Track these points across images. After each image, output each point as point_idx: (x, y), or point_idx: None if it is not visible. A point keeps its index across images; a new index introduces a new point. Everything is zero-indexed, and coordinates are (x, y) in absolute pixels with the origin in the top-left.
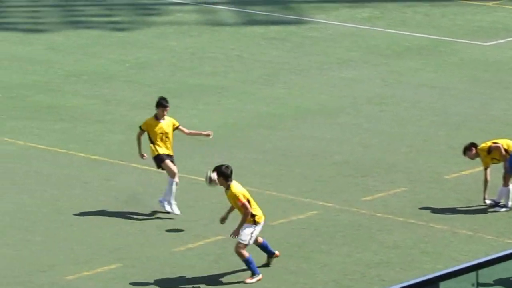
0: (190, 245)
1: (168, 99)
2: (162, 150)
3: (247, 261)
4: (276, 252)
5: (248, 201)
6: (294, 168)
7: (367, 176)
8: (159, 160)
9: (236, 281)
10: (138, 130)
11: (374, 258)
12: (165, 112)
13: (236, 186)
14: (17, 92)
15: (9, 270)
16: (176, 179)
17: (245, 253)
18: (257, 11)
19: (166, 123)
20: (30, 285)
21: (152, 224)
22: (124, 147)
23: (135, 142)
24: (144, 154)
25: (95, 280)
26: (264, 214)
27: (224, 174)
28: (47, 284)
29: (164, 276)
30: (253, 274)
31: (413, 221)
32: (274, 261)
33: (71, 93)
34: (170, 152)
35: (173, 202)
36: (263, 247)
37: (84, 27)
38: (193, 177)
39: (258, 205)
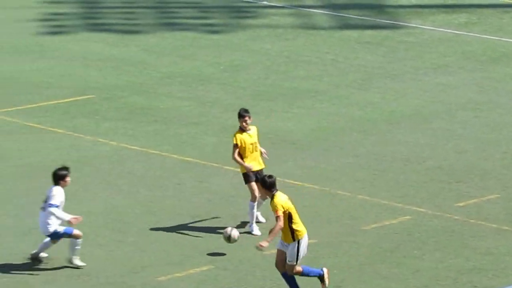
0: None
1: (262, 103)
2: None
3: (306, 274)
4: (325, 270)
5: (290, 215)
6: (387, 172)
7: (461, 182)
8: (246, 178)
9: (328, 285)
10: (231, 135)
11: (466, 264)
12: (247, 122)
13: (278, 197)
14: (111, 93)
15: (102, 271)
16: (257, 201)
17: (299, 268)
18: (352, 15)
19: (253, 133)
20: (122, 286)
21: (244, 227)
22: (218, 149)
23: (229, 145)
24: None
25: (186, 281)
26: (305, 229)
27: (265, 184)
28: (139, 285)
29: (255, 279)
30: (320, 277)
31: (506, 227)
32: (366, 266)
33: (165, 94)
34: (260, 166)
35: (253, 225)
36: (305, 274)
37: (179, 29)
38: (286, 180)
39: (301, 220)
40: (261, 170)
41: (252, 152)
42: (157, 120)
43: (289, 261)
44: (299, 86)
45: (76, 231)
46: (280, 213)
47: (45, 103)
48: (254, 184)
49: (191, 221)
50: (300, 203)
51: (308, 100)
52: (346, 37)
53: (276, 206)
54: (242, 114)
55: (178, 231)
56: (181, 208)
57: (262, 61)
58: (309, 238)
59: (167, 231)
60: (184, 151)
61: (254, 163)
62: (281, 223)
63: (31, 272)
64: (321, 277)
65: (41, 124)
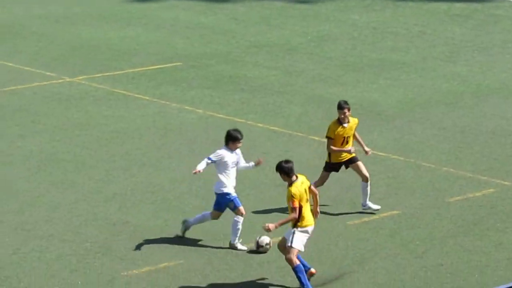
0: (365, 219)
1: (348, 73)
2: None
3: (297, 271)
4: (312, 270)
5: (300, 207)
6: (472, 145)
7: None
8: (327, 166)
9: (410, 256)
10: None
11: None
12: (346, 115)
13: (297, 187)
14: (198, 61)
15: (184, 238)
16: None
17: (295, 259)
18: None
19: (349, 126)
20: (205, 253)
21: (328, 196)
22: (303, 119)
23: (314, 115)
24: (368, 150)
25: (270, 250)
26: (313, 222)
27: (282, 170)
28: (222, 252)
29: (338, 249)
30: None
31: None
32: (448, 238)
33: (252, 63)
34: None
35: (367, 202)
36: (296, 271)
37: None
38: (371, 151)
39: (309, 211)
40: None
41: (343, 144)
42: (243, 89)
43: (286, 242)
44: (386, 57)
45: (242, 208)
46: (296, 204)
47: (132, 70)
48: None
49: (275, 190)
50: (384, 174)
51: (395, 71)
52: (435, 9)
53: (293, 196)
54: (342, 106)
55: (262, 200)
56: (265, 177)
57: (349, 32)
58: (393, 209)
59: (251, 200)
60: (270, 120)
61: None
62: (295, 215)
63: (114, 238)
64: None
65: (128, 91)
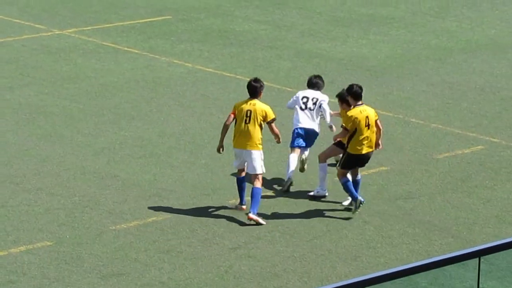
0: None
1: (338, 28)
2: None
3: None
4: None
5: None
6: (461, 102)
7: None
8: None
9: (398, 213)
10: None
11: None
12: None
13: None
14: (187, 15)
15: (173, 192)
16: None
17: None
18: None
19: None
20: (193, 208)
21: (315, 152)
22: (292, 74)
23: (303, 70)
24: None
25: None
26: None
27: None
28: (210, 207)
29: (325, 204)
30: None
31: None
32: (436, 195)
33: (241, 17)
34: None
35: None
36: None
37: None
38: None
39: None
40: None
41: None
42: (232, 43)
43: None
44: (376, 12)
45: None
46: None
47: (121, 23)
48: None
49: (264, 144)
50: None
51: (384, 26)
52: None
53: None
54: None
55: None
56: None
57: None
58: (380, 166)
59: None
60: (259, 74)
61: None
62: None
63: (102, 192)
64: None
65: (117, 44)
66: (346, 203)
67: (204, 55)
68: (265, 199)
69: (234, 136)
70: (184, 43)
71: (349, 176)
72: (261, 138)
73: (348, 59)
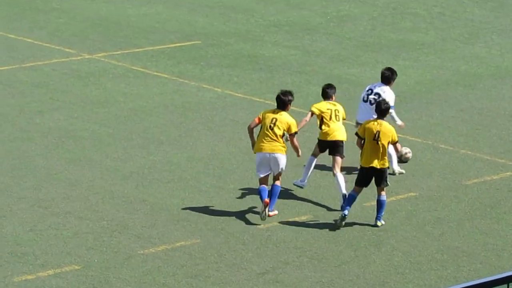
0: None
1: (367, 54)
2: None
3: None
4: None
5: None
6: (490, 128)
7: None
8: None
9: (427, 239)
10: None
11: None
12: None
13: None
14: (217, 39)
15: (201, 217)
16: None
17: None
18: None
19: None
20: (221, 232)
21: (345, 177)
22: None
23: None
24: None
25: (286, 230)
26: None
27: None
28: (238, 231)
29: (354, 230)
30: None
31: None
32: (465, 221)
33: (271, 43)
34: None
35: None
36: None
37: None
38: None
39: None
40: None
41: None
42: (262, 68)
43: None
44: (405, 38)
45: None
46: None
47: (151, 48)
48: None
49: (292, 170)
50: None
51: (414, 52)
52: None
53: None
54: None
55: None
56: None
57: (369, 12)
58: (410, 191)
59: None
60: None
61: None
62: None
63: (131, 216)
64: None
65: (147, 68)
66: (379, 223)
67: (233, 80)
68: (293, 222)
69: (258, 142)
70: (213, 68)
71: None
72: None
73: None
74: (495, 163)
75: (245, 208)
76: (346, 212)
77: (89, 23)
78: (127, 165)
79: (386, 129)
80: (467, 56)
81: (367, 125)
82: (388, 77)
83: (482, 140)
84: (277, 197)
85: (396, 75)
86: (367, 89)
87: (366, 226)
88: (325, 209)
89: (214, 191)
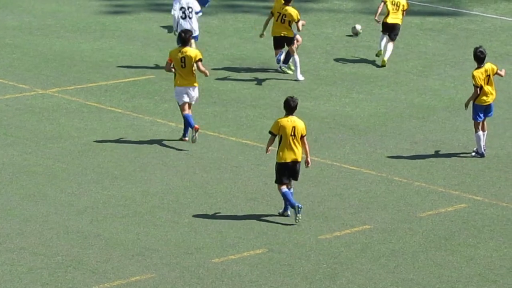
0: (337, 233)
1: (321, 87)
2: None
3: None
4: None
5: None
6: (444, 160)
7: None
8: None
9: (382, 271)
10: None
11: None
12: None
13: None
14: (171, 74)
15: (156, 251)
16: None
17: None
18: (414, 1)
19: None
20: (176, 267)
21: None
22: None
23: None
24: None
25: (241, 264)
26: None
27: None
28: (193, 266)
29: (309, 263)
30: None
31: None
32: (420, 253)
33: (224, 76)
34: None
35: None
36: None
37: (241, 11)
38: (343, 165)
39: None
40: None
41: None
42: (215, 102)
43: None
44: (359, 71)
45: None
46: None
47: (105, 83)
48: None
49: (247, 203)
50: (356, 188)
51: (367, 85)
52: (408, 23)
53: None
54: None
55: (234, 213)
56: (237, 190)
57: (322, 46)
58: (364, 224)
59: (223, 213)
60: (243, 133)
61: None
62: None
63: (85, 251)
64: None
65: (101, 103)
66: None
67: None
68: (247, 256)
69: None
70: (167, 102)
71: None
72: None
73: (332, 117)
74: (450, 195)
75: (200, 242)
76: (298, 204)
77: (43, 58)
78: (82, 200)
79: (300, 124)
80: (421, 88)
81: (282, 123)
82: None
83: (436, 172)
84: None
85: None
86: None
87: (321, 259)
88: (280, 243)
89: (169, 225)
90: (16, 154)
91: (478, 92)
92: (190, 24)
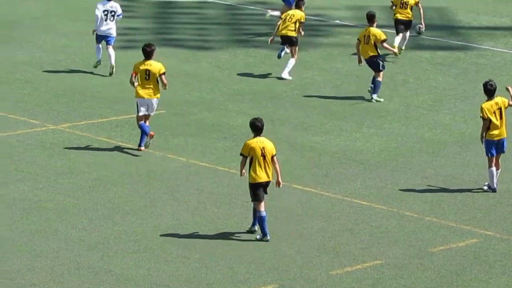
0: (348, 269)
1: (332, 122)
2: None
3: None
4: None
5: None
6: (455, 195)
7: None
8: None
9: None
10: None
11: None
12: None
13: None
14: (181, 109)
15: (166, 287)
16: None
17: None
18: (424, 36)
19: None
20: None
21: (310, 245)
22: (286, 167)
23: (297, 163)
24: None
25: None
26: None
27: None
28: None
29: None
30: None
31: None
32: None
33: (235, 111)
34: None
35: None
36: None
37: (252, 46)
38: (354, 200)
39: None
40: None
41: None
42: (226, 137)
43: None
44: (369, 106)
45: None
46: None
47: (115, 118)
48: None
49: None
50: (367, 223)
51: (378, 120)
52: (418, 57)
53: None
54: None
55: (245, 249)
56: (248, 225)
57: (333, 80)
58: (376, 259)
59: (234, 248)
60: None
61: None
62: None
63: (96, 287)
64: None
65: (111, 138)
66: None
67: (198, 149)
68: None
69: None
70: (178, 137)
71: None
72: None
73: (342, 152)
74: (461, 230)
75: (211, 278)
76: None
77: (53, 93)
78: (92, 236)
79: (269, 144)
80: (431, 123)
81: (251, 145)
82: None
83: (448, 207)
84: None
85: None
86: None
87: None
88: (291, 278)
89: (180, 261)
90: (27, 189)
91: (487, 125)
92: (111, 27)
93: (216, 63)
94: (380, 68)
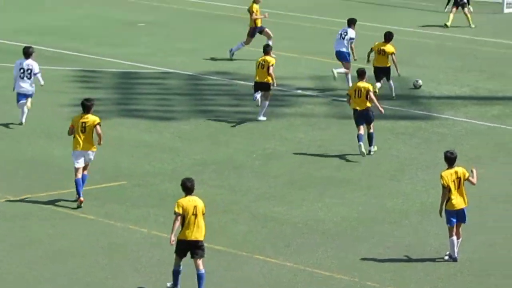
0: None
1: (294, 191)
2: None
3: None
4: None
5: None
6: (416, 264)
7: (491, 275)
8: None
9: None
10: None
11: None
12: None
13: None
14: (142, 179)
15: None
16: None
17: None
18: (385, 105)
19: None
20: None
21: None
22: (248, 238)
23: (259, 234)
24: None
25: None
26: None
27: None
28: None
29: None
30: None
31: None
32: None
33: (197, 182)
34: None
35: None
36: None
37: (213, 116)
38: (315, 270)
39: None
40: None
41: None
42: None
43: None
44: (331, 175)
45: None
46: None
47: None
48: None
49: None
50: None
51: (340, 189)
52: (380, 127)
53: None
54: None
55: None
56: None
57: (295, 150)
58: None
59: None
60: (214, 239)
61: None
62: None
63: None
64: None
65: (72, 209)
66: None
67: (159, 220)
68: None
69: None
70: (139, 208)
71: None
72: None
73: (304, 222)
74: None
75: None
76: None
77: (14, 165)
78: None
79: (200, 202)
80: (393, 192)
81: (183, 203)
82: None
83: (409, 276)
84: None
85: None
86: None
87: None
88: None
89: None
90: None
91: (446, 193)
92: (28, 84)
93: (177, 133)
94: (372, 119)
